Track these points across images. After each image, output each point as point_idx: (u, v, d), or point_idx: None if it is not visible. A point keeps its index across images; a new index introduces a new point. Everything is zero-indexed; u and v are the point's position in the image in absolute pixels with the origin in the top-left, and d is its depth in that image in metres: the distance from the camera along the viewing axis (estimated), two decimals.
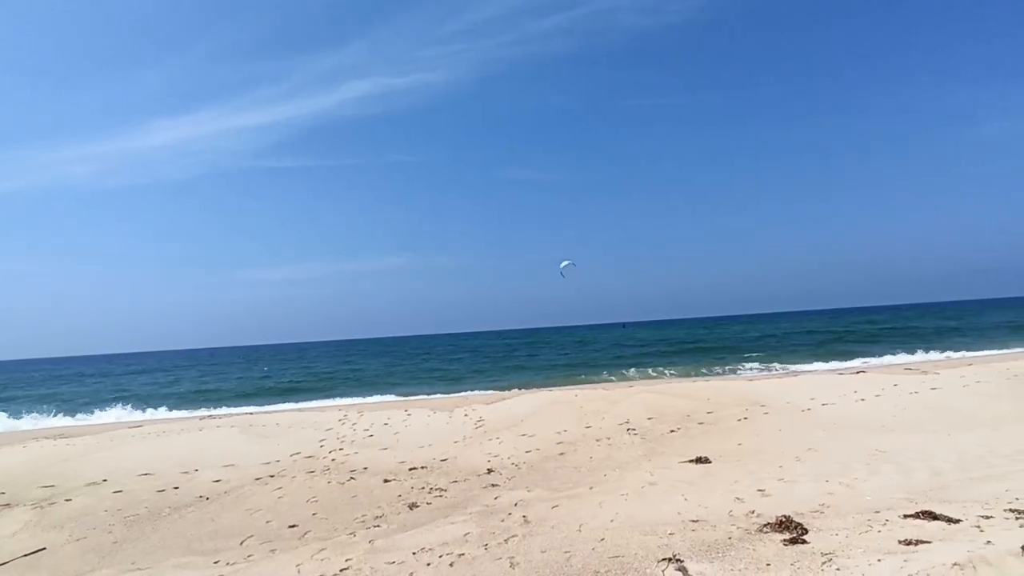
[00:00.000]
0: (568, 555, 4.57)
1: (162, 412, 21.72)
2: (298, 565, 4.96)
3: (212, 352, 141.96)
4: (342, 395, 24.44)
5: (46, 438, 12.99)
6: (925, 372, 15.17)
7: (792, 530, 4.61)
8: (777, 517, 4.94)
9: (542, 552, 4.69)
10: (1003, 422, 9.08)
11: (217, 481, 8.51)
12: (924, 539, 4.11)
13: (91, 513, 7.22)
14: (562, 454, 9.11)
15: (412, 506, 6.80)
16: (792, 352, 32.34)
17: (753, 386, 14.35)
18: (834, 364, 24.45)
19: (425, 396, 21.74)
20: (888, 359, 24.58)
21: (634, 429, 10.50)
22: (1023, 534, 4.00)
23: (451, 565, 4.59)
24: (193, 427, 13.40)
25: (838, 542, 4.27)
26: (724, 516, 5.33)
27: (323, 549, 5.34)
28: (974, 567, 3.40)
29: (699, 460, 7.85)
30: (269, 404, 22.47)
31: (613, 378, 25.11)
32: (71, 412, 22.05)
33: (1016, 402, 10.56)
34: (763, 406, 11.71)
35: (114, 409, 22.17)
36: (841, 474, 6.66)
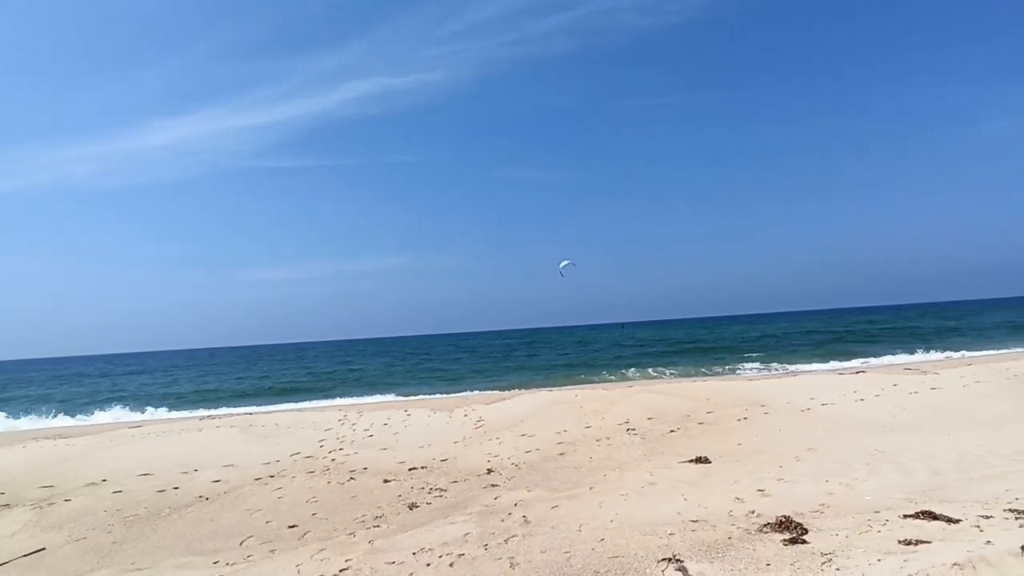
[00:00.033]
0: (568, 555, 4.57)
1: (162, 412, 21.73)
2: (298, 565, 4.96)
3: (212, 352, 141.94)
4: (342, 395, 24.44)
5: (46, 438, 12.99)
6: (925, 372, 15.17)
7: (792, 530, 4.61)
8: (777, 517, 4.94)
9: (542, 552, 4.69)
10: (1003, 422, 9.08)
11: (217, 481, 8.51)
12: (924, 539, 4.12)
13: (91, 513, 7.22)
14: (562, 454, 9.11)
15: (412, 506, 6.79)
16: (792, 352, 32.35)
17: (753, 386, 14.35)
18: (834, 364, 24.47)
19: (425, 396, 21.74)
20: (888, 359, 24.58)
21: (634, 429, 10.50)
22: (1023, 534, 4.00)
23: (451, 565, 4.59)
24: (193, 427, 13.39)
25: (838, 542, 4.27)
26: (724, 516, 5.33)
27: (323, 549, 5.34)
28: (974, 567, 3.40)
29: (699, 460, 7.85)
30: (269, 404, 22.47)
31: (613, 378, 25.11)
32: (71, 412, 22.05)
33: (1016, 402, 10.56)
34: (763, 406, 11.71)
35: (114, 409, 22.19)
36: (841, 474, 6.66)
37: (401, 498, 7.19)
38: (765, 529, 4.74)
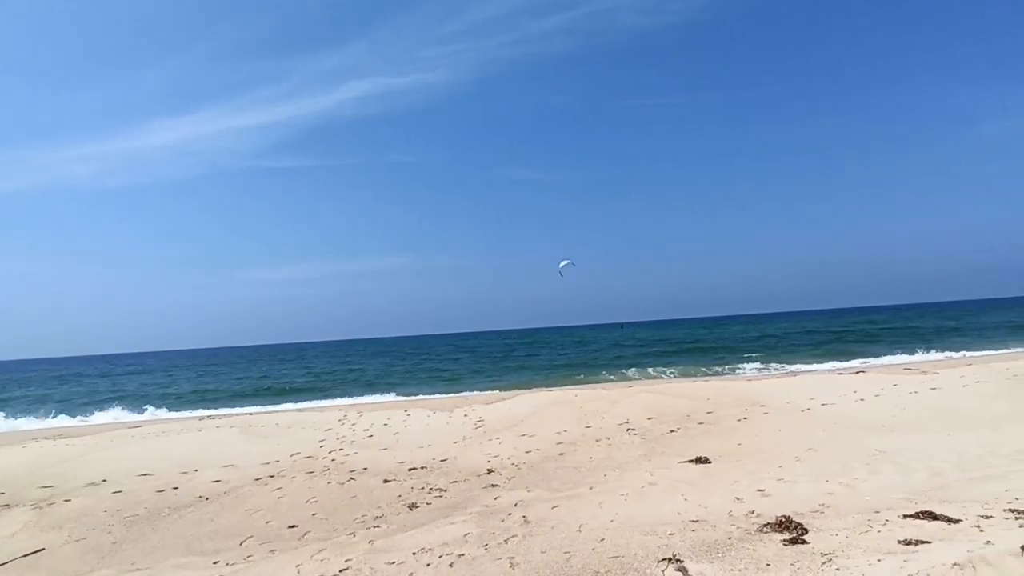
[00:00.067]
0: (568, 555, 4.57)
1: (162, 412, 21.73)
2: (298, 565, 4.96)
3: (212, 352, 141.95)
4: (342, 395, 24.44)
5: (45, 438, 12.99)
6: (925, 372, 15.17)
7: (792, 530, 4.61)
8: (777, 517, 4.94)
9: (542, 552, 4.69)
10: (1003, 422, 9.08)
11: (217, 481, 8.51)
12: (924, 539, 4.12)
13: (90, 513, 7.21)
14: (562, 454, 9.11)
15: (412, 506, 6.79)
16: (792, 352, 32.35)
17: (753, 386, 14.35)
18: (834, 364, 24.47)
19: (425, 396, 21.73)
20: (888, 359, 24.58)
21: (634, 429, 10.50)
22: (1023, 534, 4.00)
23: (451, 565, 4.59)
24: (193, 427, 13.39)
25: (838, 542, 4.27)
26: (724, 516, 5.33)
27: (323, 549, 5.34)
28: (974, 567, 3.40)
29: (699, 460, 7.85)
30: (269, 404, 22.47)
31: (613, 378, 25.11)
32: (71, 412, 22.06)
33: (1016, 402, 10.56)
34: (763, 406, 11.71)
35: (113, 409, 22.19)
36: (841, 474, 6.66)
37: (401, 498, 7.19)
38: (765, 529, 4.74)
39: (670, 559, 4.24)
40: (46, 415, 21.41)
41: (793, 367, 24.91)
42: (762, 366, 26.10)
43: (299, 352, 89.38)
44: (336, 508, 6.96)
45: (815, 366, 24.49)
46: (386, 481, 8.05)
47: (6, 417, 21.24)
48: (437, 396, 21.37)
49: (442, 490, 7.45)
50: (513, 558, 4.61)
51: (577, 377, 26.23)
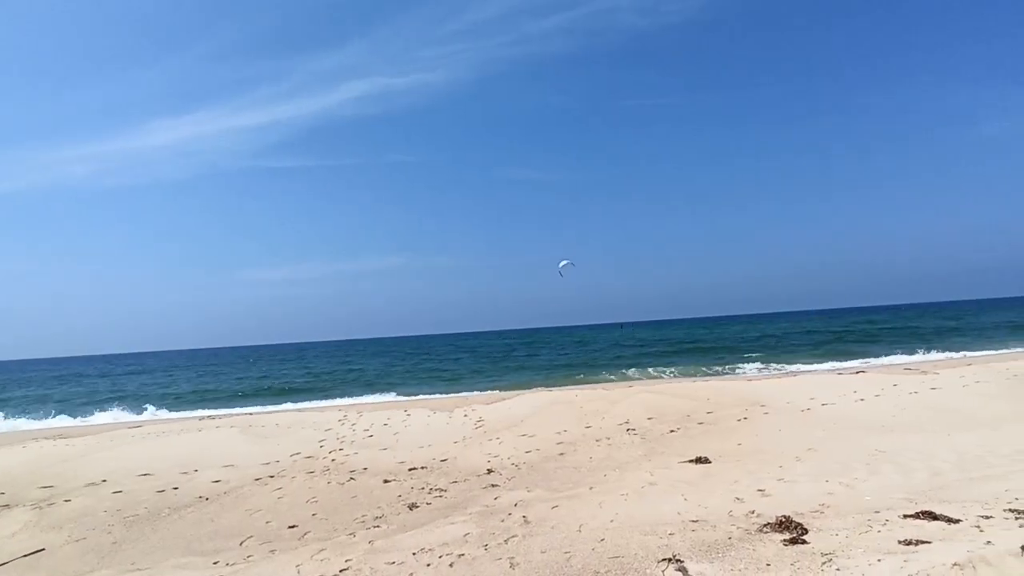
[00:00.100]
0: (568, 555, 4.57)
1: (162, 412, 21.73)
2: (298, 566, 4.96)
3: (212, 352, 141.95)
4: (342, 395, 24.44)
5: (46, 438, 12.99)
6: (925, 372, 15.17)
7: (792, 530, 4.61)
8: (777, 517, 4.94)
9: (542, 552, 4.69)
10: (1003, 422, 9.09)
11: (217, 481, 8.51)
12: (924, 539, 4.12)
13: (90, 513, 7.21)
14: (562, 454, 9.11)
15: (412, 506, 6.79)
16: (792, 352, 32.35)
17: (753, 386, 14.35)
18: (834, 364, 24.47)
19: (425, 396, 21.74)
20: (888, 359, 24.58)
21: (634, 429, 10.51)
22: (1023, 534, 4.00)
23: (451, 565, 4.59)
24: (193, 427, 13.39)
25: (838, 542, 4.27)
26: (724, 516, 5.33)
27: (323, 549, 5.34)
28: (974, 567, 3.40)
29: (699, 460, 7.85)
30: (269, 404, 22.48)
31: (613, 378, 25.12)
32: (71, 412, 22.07)
33: (1016, 402, 10.56)
34: (763, 406, 11.71)
35: (113, 409, 22.19)
36: (841, 474, 6.66)
37: (401, 498, 7.19)
38: (765, 529, 4.74)
39: (670, 559, 4.24)
40: (46, 415, 21.41)
41: (793, 367, 24.91)
42: (762, 366, 26.10)
43: (299, 352, 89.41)
44: (336, 508, 6.96)
45: (815, 366, 24.49)
46: (386, 481, 8.05)
47: (6, 417, 21.25)
48: (437, 396, 21.38)
49: (442, 490, 7.45)
50: (513, 558, 4.61)
51: (577, 377, 26.24)
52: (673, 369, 26.78)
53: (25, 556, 5.91)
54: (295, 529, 6.28)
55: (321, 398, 23.88)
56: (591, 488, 6.89)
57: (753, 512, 5.38)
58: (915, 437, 8.41)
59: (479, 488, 7.41)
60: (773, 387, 14.06)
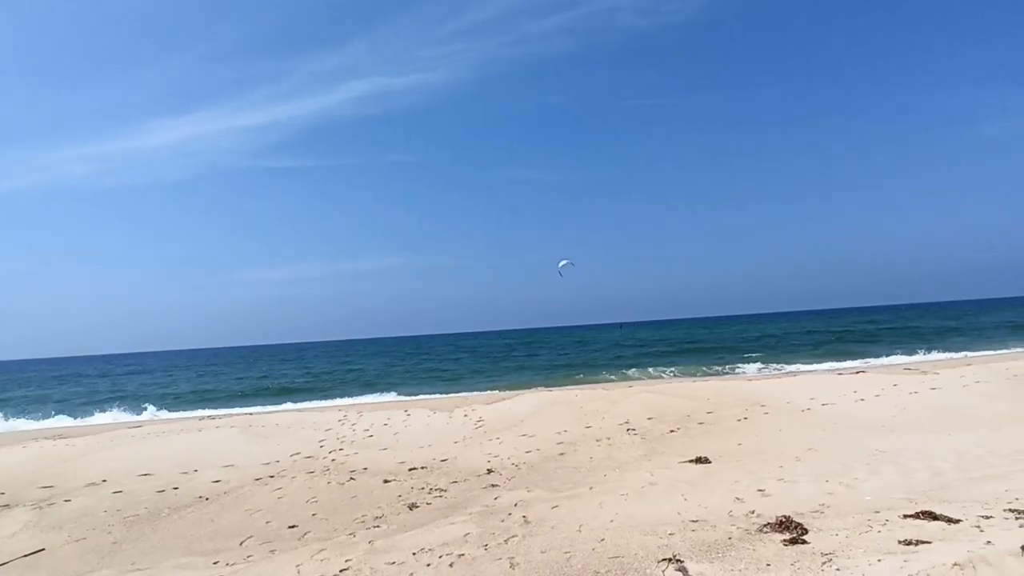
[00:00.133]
0: (568, 555, 4.57)
1: (162, 412, 21.72)
2: (298, 566, 4.96)
3: (212, 352, 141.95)
4: (342, 395, 24.44)
5: (46, 438, 12.99)
6: (925, 372, 15.17)
7: (792, 530, 4.61)
8: (777, 517, 4.94)
9: (542, 552, 4.69)
10: (1003, 422, 9.09)
11: (217, 481, 8.51)
12: (924, 539, 4.12)
13: (91, 514, 7.21)
14: (562, 454, 9.11)
15: (412, 506, 6.79)
16: (792, 352, 32.37)
17: (753, 386, 14.35)
18: (834, 364, 24.48)
19: (425, 396, 21.74)
20: (888, 359, 24.59)
21: (634, 429, 10.51)
22: (1023, 534, 4.00)
23: (451, 565, 4.59)
24: (193, 427, 13.39)
25: (838, 542, 4.27)
26: (724, 516, 5.33)
27: (323, 549, 5.34)
28: (974, 567, 3.40)
29: (699, 460, 7.85)
30: (269, 404, 22.47)
31: (613, 378, 25.12)
32: (70, 412, 22.07)
33: (1016, 402, 10.56)
34: (763, 406, 11.71)
35: (113, 409, 22.17)
36: (841, 474, 6.66)
37: (401, 498, 7.19)
38: (765, 529, 4.74)
39: (670, 559, 4.24)
40: (46, 415, 21.41)
41: (793, 367, 24.91)
42: (762, 366, 26.10)
43: (299, 352, 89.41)
44: (336, 508, 6.96)
45: (815, 366, 24.50)
46: (386, 481, 8.05)
47: (6, 417, 21.22)
48: (437, 396, 21.38)
49: (442, 490, 7.45)
50: (513, 558, 4.61)
51: (577, 377, 26.25)
52: (673, 369, 26.78)
53: (25, 556, 5.91)
54: (295, 529, 6.28)
55: (321, 398, 23.88)
56: (591, 488, 6.89)
57: (753, 512, 5.38)
58: (915, 437, 8.41)
59: (479, 488, 7.41)
60: (773, 387, 14.06)
